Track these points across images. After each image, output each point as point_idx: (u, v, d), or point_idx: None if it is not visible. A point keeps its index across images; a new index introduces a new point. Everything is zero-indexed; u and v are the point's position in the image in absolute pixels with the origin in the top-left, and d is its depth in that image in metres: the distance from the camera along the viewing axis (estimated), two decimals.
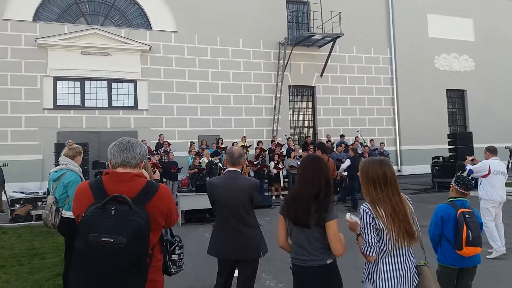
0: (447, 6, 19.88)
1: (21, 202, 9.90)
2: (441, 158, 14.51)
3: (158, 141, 13.99)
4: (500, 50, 20.63)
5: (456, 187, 3.49)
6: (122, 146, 2.08)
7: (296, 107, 17.96)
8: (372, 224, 2.39)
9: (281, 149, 14.01)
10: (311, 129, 18.03)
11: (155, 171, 4.41)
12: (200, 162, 12.37)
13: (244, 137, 15.10)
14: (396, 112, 18.81)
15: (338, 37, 16.30)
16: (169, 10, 15.78)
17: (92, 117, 14.56)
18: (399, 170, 18.21)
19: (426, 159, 16.02)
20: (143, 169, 2.19)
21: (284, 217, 2.69)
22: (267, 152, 14.17)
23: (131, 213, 1.80)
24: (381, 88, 18.72)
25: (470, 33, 20.57)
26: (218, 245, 3.52)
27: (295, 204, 2.58)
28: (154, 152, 12.99)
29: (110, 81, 14.98)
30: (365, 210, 2.42)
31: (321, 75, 17.65)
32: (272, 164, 13.25)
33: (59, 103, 14.37)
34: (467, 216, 3.29)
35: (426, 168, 16.44)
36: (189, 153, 13.23)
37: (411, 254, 2.47)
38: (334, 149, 14.20)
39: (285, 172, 13.51)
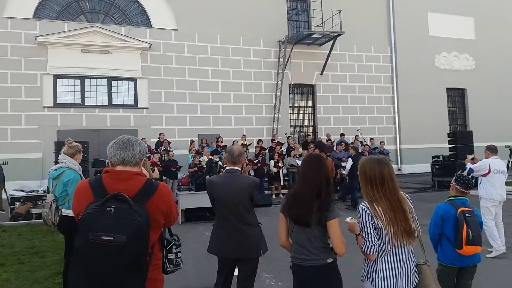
0: (447, 5, 19.84)
1: (21, 201, 9.90)
2: (441, 157, 14.51)
3: (158, 139, 14.01)
4: (501, 48, 20.59)
5: (456, 186, 3.48)
6: (121, 144, 2.07)
7: (296, 105, 17.95)
8: (371, 222, 2.38)
9: (281, 147, 14.01)
10: (311, 127, 18.02)
11: (154, 169, 4.40)
12: (200, 161, 12.37)
13: (244, 135, 15.11)
14: (396, 110, 18.80)
15: (338, 35, 16.28)
16: (169, 8, 15.76)
17: (92, 115, 14.55)
18: (399, 169, 18.20)
19: (426, 158, 16.03)
20: (142, 168, 2.18)
21: (285, 216, 2.69)
22: (267, 150, 14.17)
23: (131, 212, 1.79)
24: (381, 86, 18.70)
25: (471, 31, 20.54)
26: (218, 243, 3.52)
27: (297, 203, 2.58)
28: (154, 150, 12.99)
29: (110, 79, 14.96)
30: (364, 209, 2.42)
31: (321, 74, 17.63)
32: (272, 163, 13.25)
33: (59, 101, 14.36)
34: (467, 215, 3.29)
35: (426, 167, 16.43)
36: (189, 152, 13.25)
37: (411, 253, 2.47)
38: (334, 148, 14.20)
39: (285, 171, 13.51)
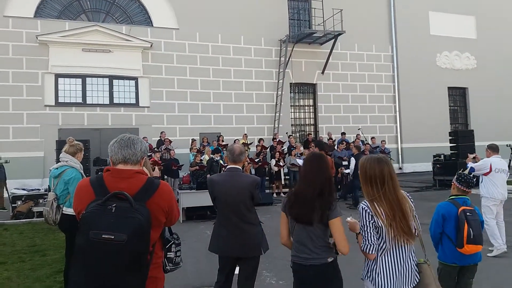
0: (449, 4, 19.80)
1: (23, 199, 9.92)
2: (442, 156, 14.50)
3: (159, 138, 14.04)
4: (502, 48, 20.54)
5: (458, 185, 3.48)
6: (123, 142, 2.07)
7: (297, 104, 17.94)
8: (371, 221, 2.38)
9: (282, 146, 14.01)
10: (312, 126, 18.01)
11: (155, 168, 4.40)
12: (201, 160, 12.38)
13: (245, 134, 15.13)
14: (397, 109, 18.77)
15: (339, 34, 16.26)
16: (170, 7, 15.76)
17: (93, 114, 14.57)
18: (400, 168, 18.19)
19: (427, 157, 16.00)
20: (143, 166, 2.19)
21: (286, 214, 2.69)
22: (268, 149, 14.18)
23: (131, 210, 1.79)
24: (382, 85, 18.67)
25: (472, 30, 20.49)
26: (219, 242, 3.52)
27: (299, 202, 2.58)
28: (156, 149, 13.02)
29: (111, 78, 14.98)
30: (364, 208, 2.42)
31: (323, 73, 17.62)
32: (273, 162, 13.25)
33: (60, 100, 14.38)
34: (468, 214, 3.29)
35: (428, 166, 16.40)
36: (190, 151, 13.26)
37: (412, 252, 2.46)
38: (336, 147, 14.19)
39: (286, 170, 13.51)
